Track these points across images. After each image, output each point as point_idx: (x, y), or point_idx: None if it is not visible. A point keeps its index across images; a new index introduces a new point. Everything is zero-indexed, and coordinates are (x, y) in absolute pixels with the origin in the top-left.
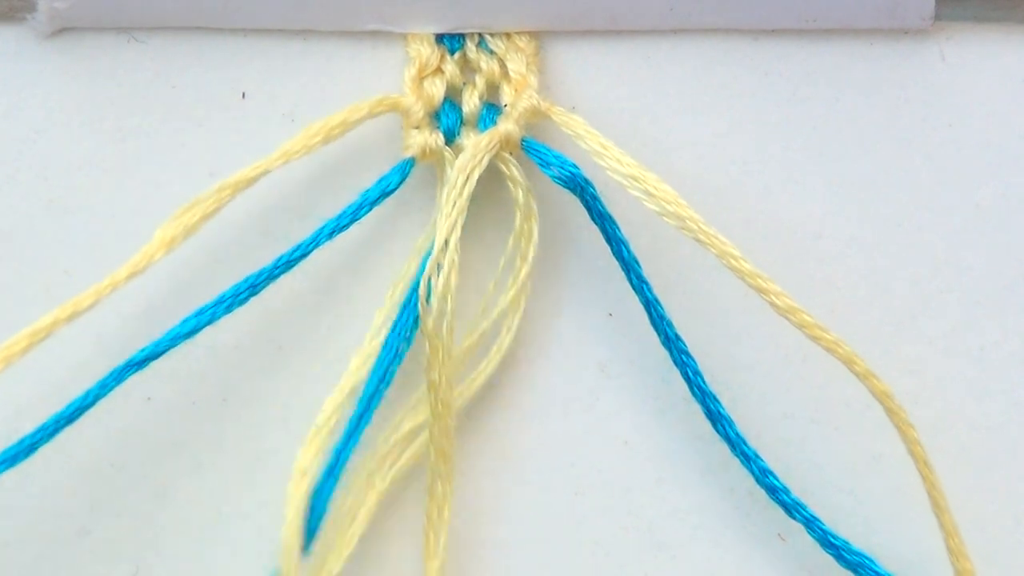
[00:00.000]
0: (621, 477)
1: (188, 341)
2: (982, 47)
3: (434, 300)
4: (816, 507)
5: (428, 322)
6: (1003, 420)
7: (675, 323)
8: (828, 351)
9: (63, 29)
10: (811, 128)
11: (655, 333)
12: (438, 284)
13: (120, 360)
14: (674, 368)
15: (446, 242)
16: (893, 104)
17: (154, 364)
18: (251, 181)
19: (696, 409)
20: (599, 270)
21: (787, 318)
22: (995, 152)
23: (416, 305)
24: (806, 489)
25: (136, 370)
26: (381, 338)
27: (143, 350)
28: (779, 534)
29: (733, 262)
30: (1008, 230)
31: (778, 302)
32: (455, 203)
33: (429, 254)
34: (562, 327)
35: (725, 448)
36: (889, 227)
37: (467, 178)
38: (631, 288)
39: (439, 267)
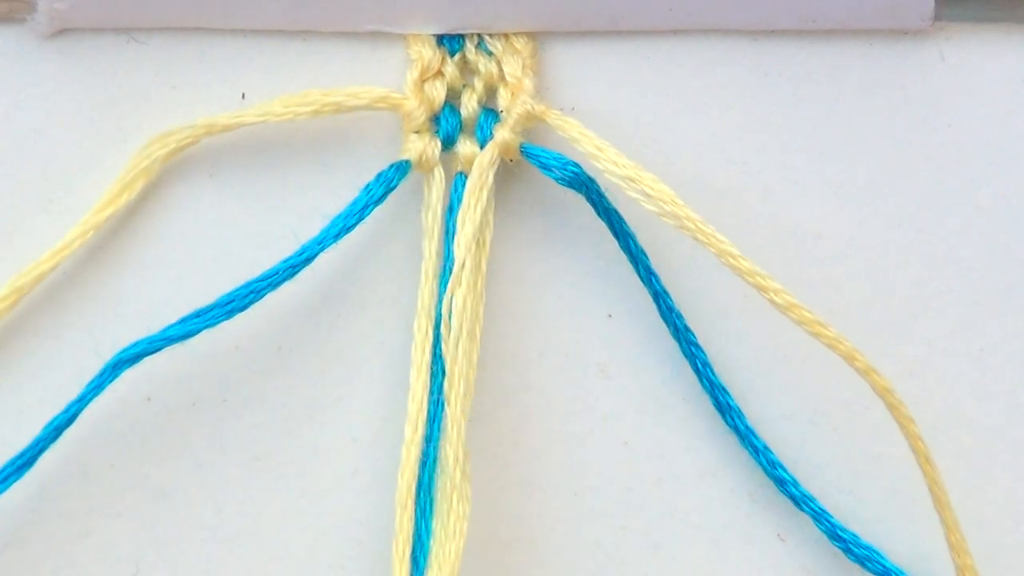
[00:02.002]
0: (621, 477)
1: (189, 341)
2: (982, 47)
3: (453, 320)
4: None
5: (448, 343)
6: (1003, 420)
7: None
8: (829, 347)
9: (63, 29)
10: (811, 128)
11: (663, 327)
12: (457, 304)
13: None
14: (674, 369)
15: (464, 263)
16: (893, 104)
17: (154, 365)
18: (227, 127)
19: (696, 409)
20: (599, 271)
21: (787, 315)
22: (995, 152)
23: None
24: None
25: (128, 365)
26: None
27: (138, 343)
28: (779, 534)
29: (732, 260)
30: (1008, 230)
31: (778, 299)
32: (468, 223)
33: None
34: (562, 328)
35: (725, 448)
36: (889, 227)
37: (478, 200)
38: (635, 285)
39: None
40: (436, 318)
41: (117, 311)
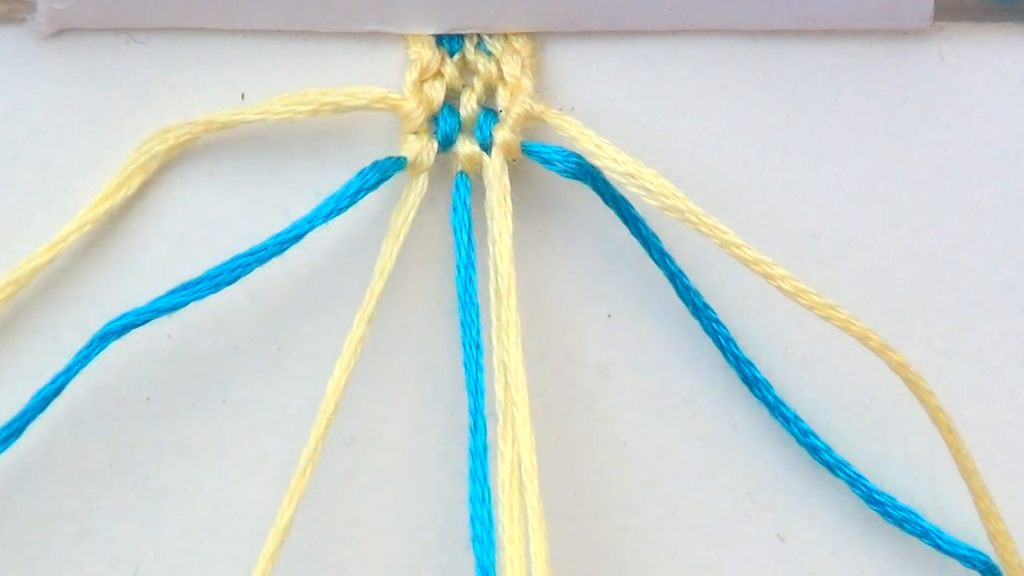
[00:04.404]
0: (621, 477)
1: (188, 341)
2: (981, 47)
3: (500, 330)
4: (811, 508)
5: (501, 353)
6: (1003, 420)
7: (672, 326)
8: (842, 329)
9: (63, 30)
10: (811, 128)
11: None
12: (502, 314)
13: (118, 357)
14: (674, 368)
15: (509, 273)
16: (893, 104)
17: (154, 365)
18: (226, 124)
19: (696, 409)
20: (599, 271)
21: (796, 300)
22: (995, 152)
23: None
24: (805, 488)
25: (116, 337)
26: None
27: (126, 314)
28: (778, 534)
29: (736, 251)
30: (1008, 230)
31: (785, 286)
32: (504, 234)
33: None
34: (562, 328)
35: (725, 448)
36: (889, 227)
37: (506, 210)
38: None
39: (500, 297)
40: (469, 319)
41: (116, 310)
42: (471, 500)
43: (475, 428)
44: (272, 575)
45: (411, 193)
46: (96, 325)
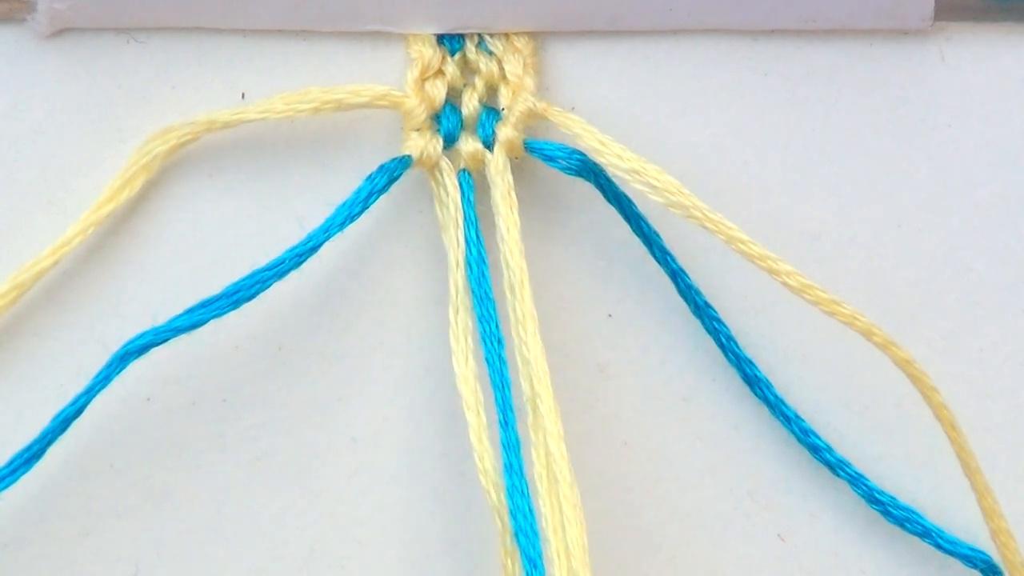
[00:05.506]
0: (621, 477)
1: (189, 341)
2: (982, 47)
3: (517, 325)
4: (811, 508)
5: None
6: (1003, 420)
7: (672, 326)
8: (846, 324)
9: (63, 29)
10: (811, 128)
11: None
12: (517, 308)
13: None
14: (674, 368)
15: (522, 267)
16: (893, 104)
17: (154, 365)
18: (228, 124)
19: (696, 409)
20: (599, 270)
21: (802, 296)
22: (995, 152)
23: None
24: (805, 488)
25: (136, 356)
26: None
27: (145, 333)
28: (779, 534)
29: (742, 246)
30: (1008, 230)
31: (790, 282)
32: (512, 228)
33: (474, 269)
34: (562, 328)
35: (725, 448)
36: (889, 227)
37: (510, 205)
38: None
39: (513, 289)
40: (484, 315)
41: (119, 311)
42: (509, 494)
43: (505, 422)
44: (272, 575)
45: (444, 184)
46: (99, 328)
